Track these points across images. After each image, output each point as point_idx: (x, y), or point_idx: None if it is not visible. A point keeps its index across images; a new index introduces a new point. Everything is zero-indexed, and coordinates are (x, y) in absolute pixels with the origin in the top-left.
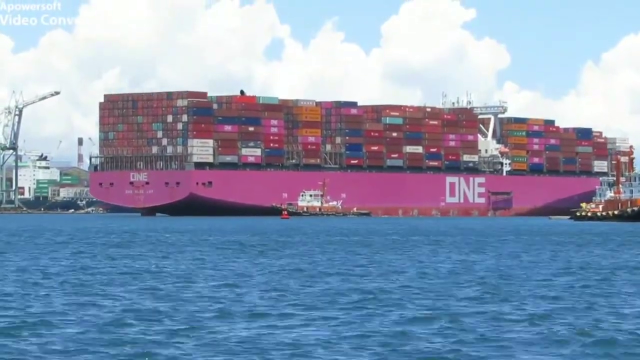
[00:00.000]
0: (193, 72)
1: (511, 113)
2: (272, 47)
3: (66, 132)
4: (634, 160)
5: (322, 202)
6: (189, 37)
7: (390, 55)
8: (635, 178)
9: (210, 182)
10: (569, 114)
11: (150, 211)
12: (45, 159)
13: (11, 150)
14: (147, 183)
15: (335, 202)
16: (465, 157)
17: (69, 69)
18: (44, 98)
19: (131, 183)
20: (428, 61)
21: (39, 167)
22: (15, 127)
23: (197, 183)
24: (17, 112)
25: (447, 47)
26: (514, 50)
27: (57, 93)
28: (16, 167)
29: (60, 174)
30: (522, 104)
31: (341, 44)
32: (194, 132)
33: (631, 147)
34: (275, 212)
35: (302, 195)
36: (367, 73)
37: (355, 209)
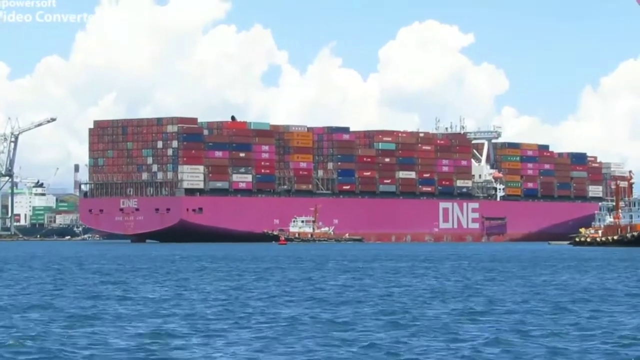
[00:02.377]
0: (190, 98)
1: (510, 138)
2: (269, 73)
3: (63, 158)
4: (633, 185)
5: (313, 228)
6: (186, 63)
7: (387, 81)
8: (634, 203)
9: (200, 209)
10: (567, 139)
11: (140, 238)
12: (41, 185)
13: (7, 177)
14: (137, 209)
15: (327, 228)
16: (459, 183)
17: (65, 95)
18: (39, 125)
19: (121, 209)
20: (426, 86)
21: (35, 194)
22: (11, 154)
23: (187, 209)
24: (12, 139)
25: (445, 72)
26: (512, 75)
27: (53, 120)
28: (12, 194)
29: (57, 200)
30: (521, 129)
31: (338, 69)
32: (184, 158)
33: (630, 172)
34: (266, 238)
35: (294, 221)
36: (364, 98)
37: (347, 235)
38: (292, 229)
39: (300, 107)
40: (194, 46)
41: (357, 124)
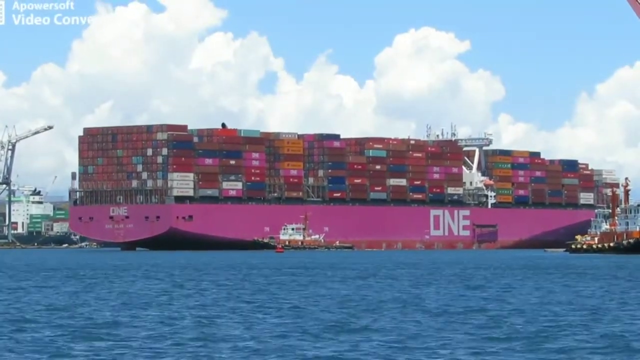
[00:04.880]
0: (186, 106)
1: (507, 145)
2: (265, 81)
3: (60, 166)
4: (629, 192)
5: (304, 236)
6: (182, 71)
7: (383, 88)
8: (630, 210)
9: (190, 216)
10: (563, 146)
11: (130, 246)
12: (38, 193)
13: (4, 185)
14: (127, 217)
15: (317, 236)
16: (450, 190)
17: (62, 103)
18: (37, 132)
19: (111, 217)
20: (422, 93)
21: (33, 202)
22: (9, 162)
23: (177, 217)
24: (10, 147)
25: (441, 78)
26: (508, 82)
27: (50, 127)
28: (9, 202)
29: (54, 208)
30: (517, 136)
31: (335, 76)
32: (174, 166)
33: (627, 179)
34: (257, 246)
35: (284, 229)
36: (361, 105)
37: (337, 243)
38: (282, 237)
39: (297, 114)
40: (190, 54)
41: (354, 131)
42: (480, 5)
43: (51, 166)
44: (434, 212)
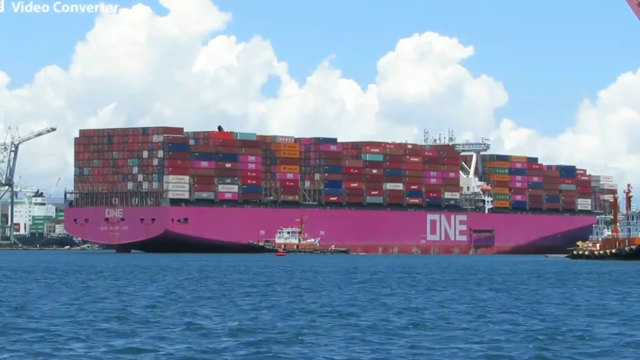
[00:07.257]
0: (188, 110)
1: (508, 151)
2: (268, 84)
3: (62, 168)
4: (631, 199)
5: (299, 240)
6: (186, 74)
7: (386, 92)
8: (633, 217)
9: (186, 219)
10: (565, 152)
11: (125, 248)
12: (41, 195)
13: (7, 187)
14: (122, 219)
15: (312, 239)
16: (447, 195)
17: (65, 105)
18: (39, 134)
19: (106, 219)
20: (424, 98)
21: (35, 204)
22: (11, 164)
23: (172, 220)
24: (12, 149)
25: (443, 84)
26: (511, 87)
27: (53, 129)
28: (12, 203)
29: (56, 210)
30: (520, 141)
31: (338, 80)
32: (170, 168)
33: (629, 185)
34: (252, 249)
35: (280, 233)
36: (364, 110)
37: (333, 246)
38: (277, 240)
39: (299, 118)
40: (194, 57)
41: (356, 136)
42: (484, 11)
43: (53, 168)
44: (430, 216)
